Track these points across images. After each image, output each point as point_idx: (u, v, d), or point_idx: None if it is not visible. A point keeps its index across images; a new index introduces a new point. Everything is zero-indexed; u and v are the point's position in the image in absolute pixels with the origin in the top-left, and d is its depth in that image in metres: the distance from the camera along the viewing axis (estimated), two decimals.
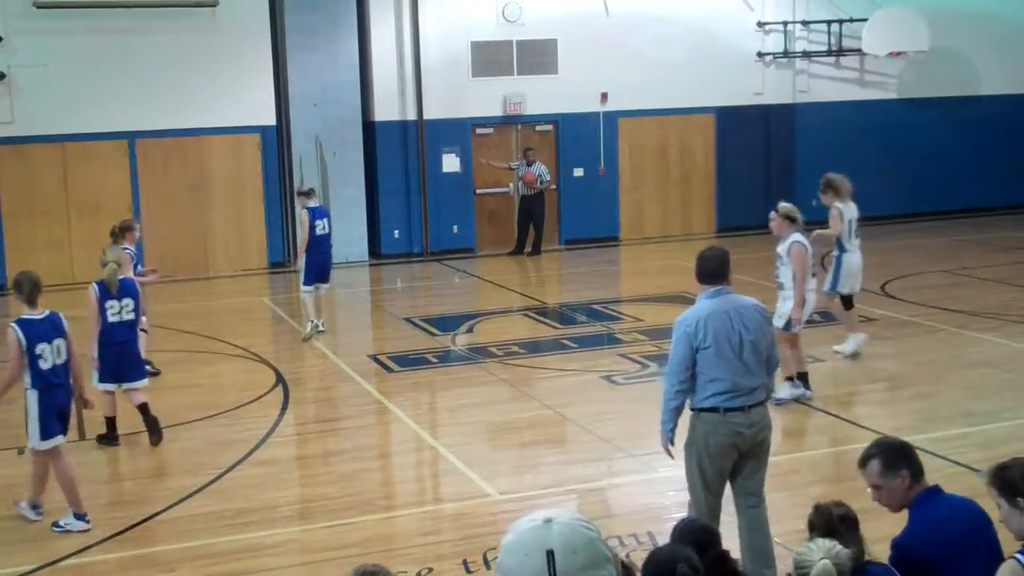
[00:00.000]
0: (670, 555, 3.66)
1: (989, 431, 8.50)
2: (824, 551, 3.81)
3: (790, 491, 7.57)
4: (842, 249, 10.67)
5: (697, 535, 4.12)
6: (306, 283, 12.41)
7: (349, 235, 17.75)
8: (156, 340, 13.01)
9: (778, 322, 9.10)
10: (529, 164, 17.88)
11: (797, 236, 9.24)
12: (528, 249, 18.07)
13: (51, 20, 16.04)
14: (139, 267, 10.90)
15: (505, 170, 18.17)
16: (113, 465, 8.78)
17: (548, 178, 17.98)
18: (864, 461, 4.38)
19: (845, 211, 10.65)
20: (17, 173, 16.19)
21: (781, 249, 9.27)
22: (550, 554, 1.94)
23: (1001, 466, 4.02)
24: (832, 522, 4.15)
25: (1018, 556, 3.79)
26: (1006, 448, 7.72)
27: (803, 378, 9.52)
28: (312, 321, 12.52)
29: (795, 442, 8.77)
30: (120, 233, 10.42)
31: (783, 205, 9.41)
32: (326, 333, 12.69)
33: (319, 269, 12.47)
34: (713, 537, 4.18)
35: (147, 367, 9.91)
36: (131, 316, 8.60)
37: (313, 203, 12.59)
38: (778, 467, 8.00)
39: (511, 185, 18.36)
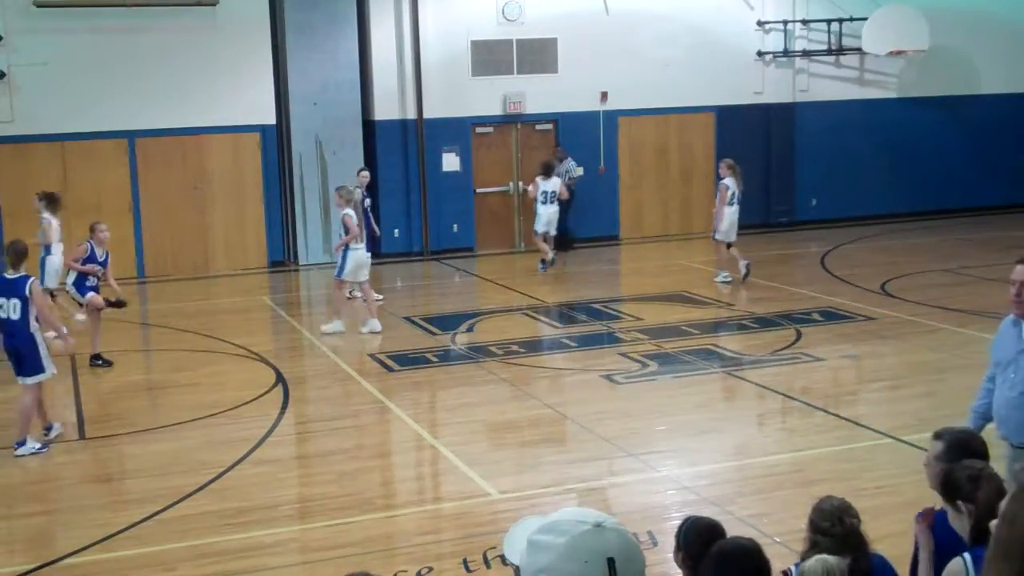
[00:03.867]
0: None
1: (990, 430, 8.46)
2: (821, 562, 3.79)
3: (790, 490, 7.56)
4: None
5: (704, 534, 4.11)
6: None
7: None
8: (157, 339, 13.05)
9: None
10: (559, 162, 17.90)
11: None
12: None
13: (51, 19, 16.03)
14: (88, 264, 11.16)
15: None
16: (113, 464, 8.78)
17: (577, 174, 17.94)
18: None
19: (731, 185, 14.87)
20: (17, 172, 16.18)
21: None
22: (611, 562, 1.93)
23: (948, 469, 4.07)
24: (832, 519, 4.13)
25: (965, 555, 3.85)
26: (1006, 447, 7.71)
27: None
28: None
29: (795, 441, 8.76)
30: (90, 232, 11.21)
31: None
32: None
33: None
34: (718, 535, 4.15)
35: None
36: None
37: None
38: (779, 466, 8.03)
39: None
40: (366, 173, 15.16)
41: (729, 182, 14.96)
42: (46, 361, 8.75)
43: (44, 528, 7.35)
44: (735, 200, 15.00)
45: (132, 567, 6.64)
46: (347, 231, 12.57)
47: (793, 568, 4.26)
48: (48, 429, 8.99)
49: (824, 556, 3.86)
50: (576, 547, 1.95)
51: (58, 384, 10.70)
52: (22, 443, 8.68)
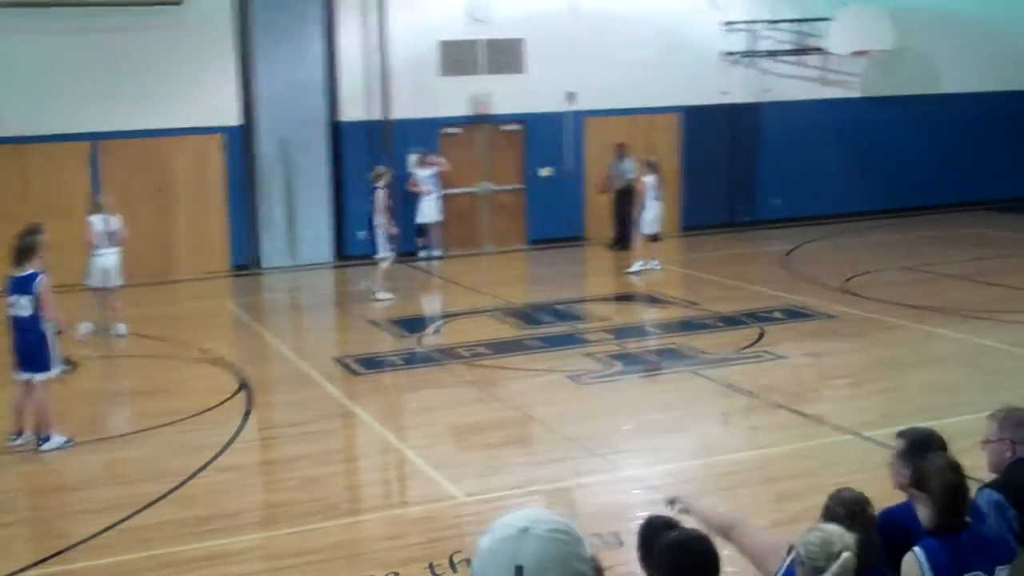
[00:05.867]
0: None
1: (951, 424, 8.52)
2: (840, 539, 3.57)
3: (755, 487, 7.62)
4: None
5: (659, 532, 4.12)
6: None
7: (315, 236, 17.66)
8: (118, 344, 12.91)
9: None
10: (620, 159, 17.93)
11: None
12: (615, 243, 18.21)
13: (10, 19, 15.81)
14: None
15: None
16: (73, 473, 8.67)
17: (631, 175, 17.66)
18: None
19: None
20: None
21: None
22: (519, 570, 1.87)
23: (918, 462, 4.21)
24: (851, 506, 4.11)
25: (916, 549, 3.96)
26: (967, 441, 7.77)
27: None
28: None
29: (760, 439, 8.81)
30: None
31: None
32: (291, 334, 12.63)
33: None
34: (673, 531, 4.16)
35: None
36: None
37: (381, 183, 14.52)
38: (744, 463, 8.09)
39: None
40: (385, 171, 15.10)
41: (650, 179, 15.98)
42: (54, 360, 8.90)
43: (3, 540, 7.25)
44: (658, 196, 16.06)
45: None
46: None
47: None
48: (18, 435, 8.93)
49: (832, 530, 3.62)
50: (493, 551, 1.90)
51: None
52: (46, 440, 8.80)
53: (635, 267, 15.97)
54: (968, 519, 4.08)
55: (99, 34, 16.21)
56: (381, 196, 14.43)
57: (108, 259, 12.70)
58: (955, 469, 4.10)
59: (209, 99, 16.82)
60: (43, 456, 8.80)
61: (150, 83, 16.42)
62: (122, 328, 12.78)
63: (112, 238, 12.70)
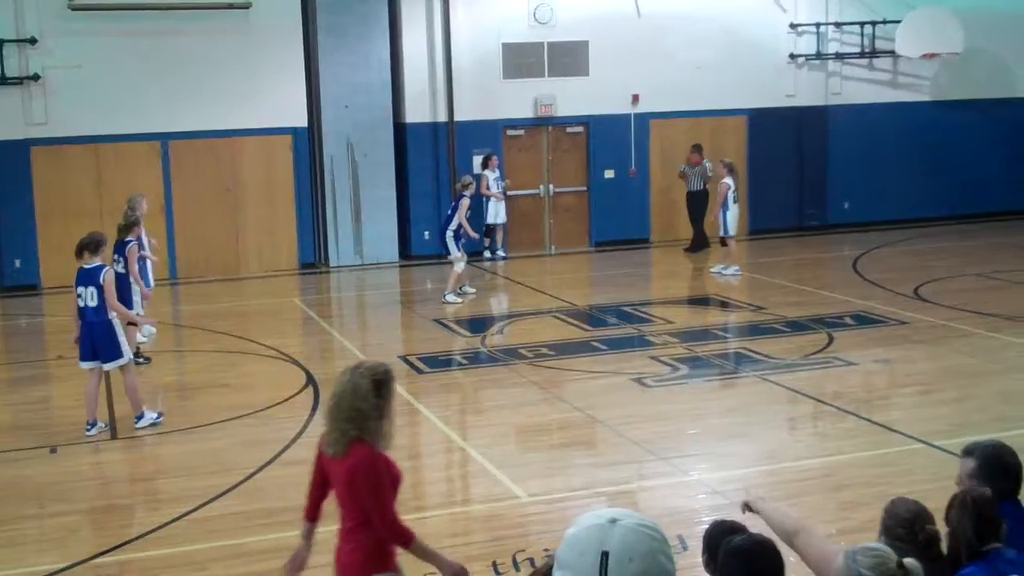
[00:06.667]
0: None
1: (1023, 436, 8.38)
2: (894, 555, 3.39)
3: (820, 495, 7.51)
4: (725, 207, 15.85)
5: (726, 536, 4.07)
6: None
7: (380, 236, 17.81)
8: (188, 340, 13.15)
9: None
10: (693, 165, 17.91)
11: None
12: (693, 246, 18.06)
13: (85, 21, 16.20)
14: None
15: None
16: (144, 464, 8.85)
17: (710, 175, 17.70)
18: None
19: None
20: (51, 174, 16.35)
21: None
22: (604, 556, 1.89)
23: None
24: (911, 523, 3.94)
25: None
26: None
27: None
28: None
29: (827, 446, 8.68)
30: (126, 229, 11.43)
31: None
32: (357, 332, 12.72)
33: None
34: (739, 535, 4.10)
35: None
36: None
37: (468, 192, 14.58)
38: (810, 471, 7.97)
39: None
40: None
41: (730, 180, 15.85)
42: (124, 347, 9.20)
43: (75, 527, 7.40)
44: (736, 198, 15.99)
45: (162, 567, 6.68)
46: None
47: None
48: (92, 425, 9.14)
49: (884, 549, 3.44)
50: (579, 538, 1.93)
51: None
52: (140, 418, 9.23)
53: (731, 270, 15.88)
54: (998, 545, 3.86)
55: (170, 36, 16.53)
56: (466, 204, 14.42)
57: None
58: (976, 502, 3.82)
59: (276, 100, 17.05)
60: (116, 446, 8.98)
61: (219, 84, 16.70)
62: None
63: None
